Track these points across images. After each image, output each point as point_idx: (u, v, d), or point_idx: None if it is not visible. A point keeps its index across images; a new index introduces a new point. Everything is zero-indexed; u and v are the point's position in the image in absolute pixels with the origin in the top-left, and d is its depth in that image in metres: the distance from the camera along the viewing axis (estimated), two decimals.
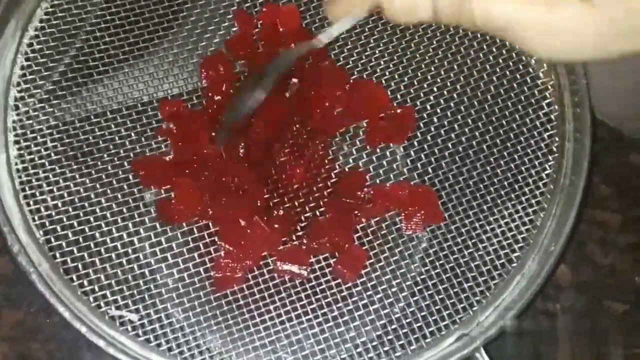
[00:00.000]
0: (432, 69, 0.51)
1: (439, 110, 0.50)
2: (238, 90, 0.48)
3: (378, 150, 0.49)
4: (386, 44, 0.51)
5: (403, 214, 0.47)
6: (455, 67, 0.51)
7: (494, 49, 0.51)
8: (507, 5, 0.27)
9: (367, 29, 0.51)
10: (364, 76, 0.51)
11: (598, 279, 0.53)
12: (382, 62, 0.51)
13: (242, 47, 0.51)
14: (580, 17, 0.26)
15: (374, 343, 0.44)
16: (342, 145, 0.49)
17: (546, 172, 0.48)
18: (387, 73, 0.51)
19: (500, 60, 0.51)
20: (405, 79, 0.51)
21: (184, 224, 0.46)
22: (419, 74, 0.51)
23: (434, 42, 0.51)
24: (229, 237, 0.44)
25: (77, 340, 0.48)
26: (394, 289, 0.45)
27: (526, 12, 0.27)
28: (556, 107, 0.49)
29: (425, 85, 0.50)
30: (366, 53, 0.51)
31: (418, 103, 0.50)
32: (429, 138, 0.49)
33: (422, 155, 0.49)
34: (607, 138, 0.56)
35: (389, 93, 0.50)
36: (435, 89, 0.50)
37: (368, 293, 0.45)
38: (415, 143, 0.49)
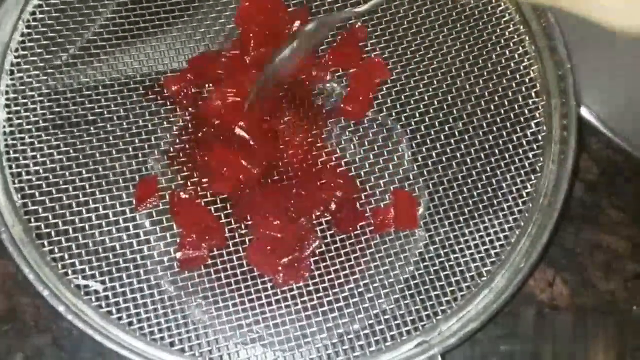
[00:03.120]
0: (425, 78, 0.51)
1: (427, 119, 0.50)
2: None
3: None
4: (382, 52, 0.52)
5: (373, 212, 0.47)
6: (449, 78, 0.51)
7: (489, 65, 0.51)
8: None
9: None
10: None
11: (596, 304, 0.52)
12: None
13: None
14: None
15: (334, 340, 0.44)
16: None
17: (527, 190, 0.48)
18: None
19: (494, 77, 0.51)
20: (397, 84, 0.51)
21: (160, 203, 0.46)
22: (412, 81, 0.51)
23: (430, 52, 0.52)
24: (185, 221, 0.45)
25: None
26: (360, 289, 0.45)
27: None
28: (544, 127, 0.49)
29: (416, 94, 0.51)
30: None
31: (407, 110, 0.50)
32: (413, 145, 0.49)
33: (405, 162, 0.49)
34: (625, 164, 0.56)
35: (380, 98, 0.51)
36: (426, 98, 0.50)
37: (334, 290, 0.45)
38: (400, 149, 0.49)
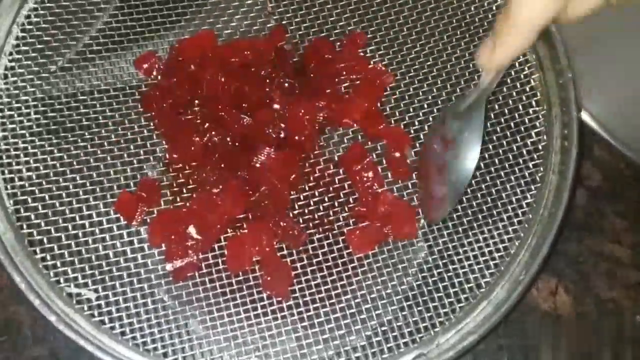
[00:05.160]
0: (425, 85, 0.50)
1: (426, 128, 0.49)
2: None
3: None
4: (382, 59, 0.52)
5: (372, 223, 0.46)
6: (449, 86, 0.50)
7: None
8: None
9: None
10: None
11: (599, 313, 0.51)
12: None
13: None
14: None
15: (330, 353, 0.43)
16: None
17: (526, 201, 0.47)
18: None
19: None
20: (406, 96, 0.51)
21: (155, 210, 0.45)
22: (411, 90, 0.51)
23: (430, 59, 0.51)
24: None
25: None
26: (357, 300, 0.45)
27: None
28: (545, 137, 0.49)
29: (416, 101, 0.50)
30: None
31: (407, 117, 0.50)
32: (413, 154, 0.49)
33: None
34: (627, 171, 0.55)
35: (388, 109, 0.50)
36: (425, 105, 0.50)
37: (331, 301, 0.44)
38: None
